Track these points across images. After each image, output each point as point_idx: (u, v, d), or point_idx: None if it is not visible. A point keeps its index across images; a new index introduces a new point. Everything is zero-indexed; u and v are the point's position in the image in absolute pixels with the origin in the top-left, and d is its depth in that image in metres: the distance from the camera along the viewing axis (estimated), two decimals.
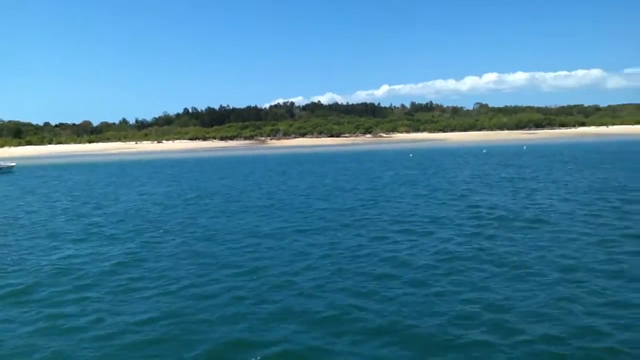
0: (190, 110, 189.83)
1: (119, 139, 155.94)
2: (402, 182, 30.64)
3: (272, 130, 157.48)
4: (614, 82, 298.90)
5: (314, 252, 12.93)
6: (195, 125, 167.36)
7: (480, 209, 18.66)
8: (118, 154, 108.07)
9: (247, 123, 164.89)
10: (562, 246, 12.64)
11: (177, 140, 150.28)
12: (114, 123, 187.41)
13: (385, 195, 24.16)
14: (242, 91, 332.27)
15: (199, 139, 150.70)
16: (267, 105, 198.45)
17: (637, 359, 6.91)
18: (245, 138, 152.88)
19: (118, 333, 8.27)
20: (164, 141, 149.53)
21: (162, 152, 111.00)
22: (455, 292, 9.63)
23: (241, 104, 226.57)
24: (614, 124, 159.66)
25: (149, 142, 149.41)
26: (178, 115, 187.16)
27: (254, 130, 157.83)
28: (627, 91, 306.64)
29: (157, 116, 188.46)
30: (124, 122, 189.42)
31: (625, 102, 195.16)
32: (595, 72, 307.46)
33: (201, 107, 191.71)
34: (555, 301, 8.96)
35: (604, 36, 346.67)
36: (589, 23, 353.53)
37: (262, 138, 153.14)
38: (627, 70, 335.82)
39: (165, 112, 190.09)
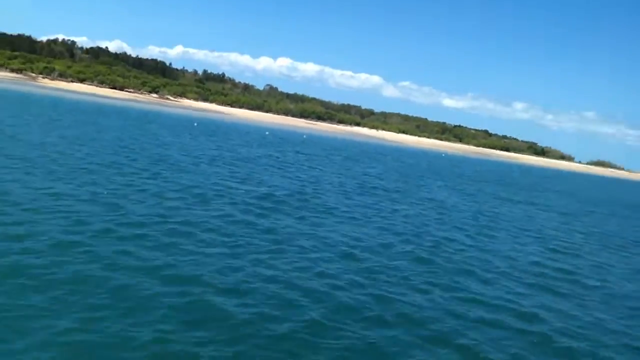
0: None
1: None
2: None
3: (46, 67, 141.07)
4: (390, 91, 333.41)
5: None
6: None
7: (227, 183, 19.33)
8: None
9: (16, 53, 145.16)
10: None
11: None
12: None
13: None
14: (13, 15, 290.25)
15: None
16: (44, 39, 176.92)
17: None
18: (13, 71, 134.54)
19: None
20: None
21: None
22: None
23: (11, 30, 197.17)
24: (383, 128, 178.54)
25: None
26: None
27: (24, 63, 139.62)
28: (398, 101, 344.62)
29: None
30: None
31: (395, 111, 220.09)
32: (376, 79, 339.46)
33: None
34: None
35: (386, 47, 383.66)
36: (374, 34, 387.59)
37: (33, 74, 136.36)
38: (401, 83, 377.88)
39: None
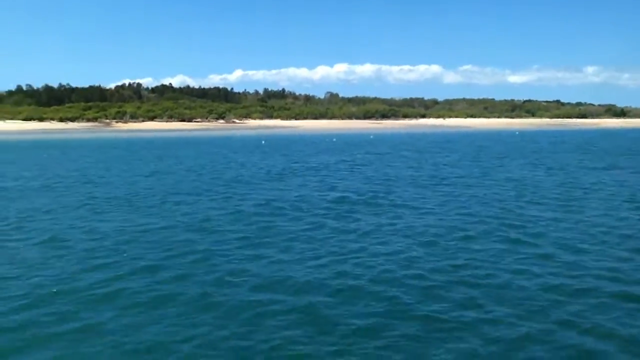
0: (24, 88, 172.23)
1: None
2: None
3: (118, 112, 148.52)
4: (451, 77, 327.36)
5: None
6: (30, 105, 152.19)
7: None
8: None
9: (90, 104, 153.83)
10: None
11: (10, 121, 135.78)
12: None
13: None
14: (83, 69, 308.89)
15: (34, 120, 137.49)
16: (112, 86, 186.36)
17: None
18: (89, 120, 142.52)
19: None
20: None
21: None
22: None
23: (83, 83, 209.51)
24: (450, 116, 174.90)
25: None
26: (10, 92, 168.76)
27: (98, 112, 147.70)
28: (461, 86, 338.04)
29: None
30: None
31: (459, 97, 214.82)
32: (435, 68, 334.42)
33: (37, 84, 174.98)
34: None
35: (441, 35, 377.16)
36: (426, 25, 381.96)
37: (107, 120, 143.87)
38: (462, 67, 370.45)
39: None
